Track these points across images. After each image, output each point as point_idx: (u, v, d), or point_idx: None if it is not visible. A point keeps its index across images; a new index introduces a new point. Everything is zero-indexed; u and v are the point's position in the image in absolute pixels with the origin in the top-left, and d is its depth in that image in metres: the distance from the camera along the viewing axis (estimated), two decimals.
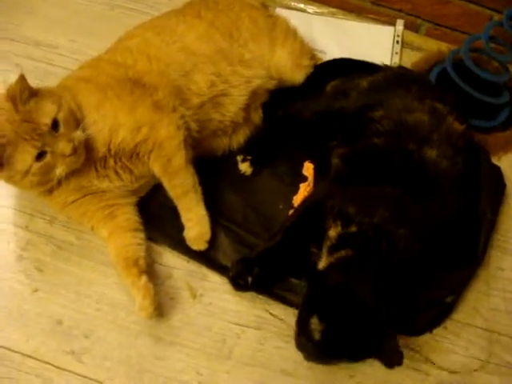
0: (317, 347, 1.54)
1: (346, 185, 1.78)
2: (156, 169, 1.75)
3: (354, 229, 1.63)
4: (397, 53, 2.34)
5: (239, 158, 1.95)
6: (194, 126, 1.81)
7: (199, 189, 1.79)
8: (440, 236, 1.70)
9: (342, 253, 1.62)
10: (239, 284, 1.73)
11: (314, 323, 1.51)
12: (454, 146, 1.80)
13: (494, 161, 2.13)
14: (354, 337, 1.53)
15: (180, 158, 1.74)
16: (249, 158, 1.94)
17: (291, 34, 2.08)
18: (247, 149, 1.97)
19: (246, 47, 1.96)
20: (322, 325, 1.51)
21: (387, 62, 2.29)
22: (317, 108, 1.97)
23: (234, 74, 1.90)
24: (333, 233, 1.65)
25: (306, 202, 1.83)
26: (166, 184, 1.77)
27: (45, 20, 2.37)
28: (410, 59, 2.36)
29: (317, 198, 1.78)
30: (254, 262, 1.72)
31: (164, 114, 1.74)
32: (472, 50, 2.16)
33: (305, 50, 2.11)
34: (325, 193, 1.77)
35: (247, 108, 1.94)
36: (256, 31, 2.00)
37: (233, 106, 1.89)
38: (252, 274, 1.71)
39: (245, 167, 1.94)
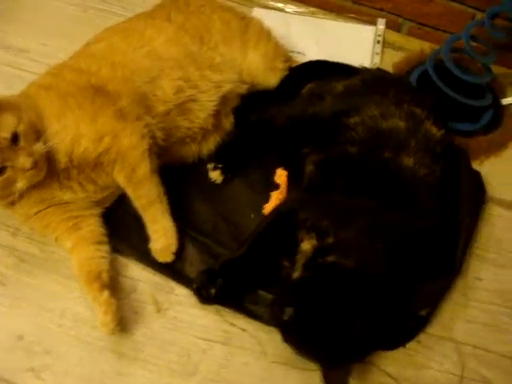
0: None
1: (320, 194, 1.72)
2: (120, 179, 1.71)
3: (331, 240, 1.57)
4: (377, 53, 2.27)
5: (210, 166, 1.90)
6: (159, 134, 1.76)
7: (165, 199, 1.74)
8: (417, 247, 1.64)
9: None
10: (203, 296, 1.67)
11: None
12: (432, 152, 1.74)
13: (476, 165, 2.07)
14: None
15: (144, 167, 1.69)
16: (219, 165, 1.89)
17: (265, 35, 2.02)
18: (218, 156, 1.91)
19: (217, 50, 1.91)
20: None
21: (367, 62, 2.23)
22: (291, 113, 1.91)
23: (203, 78, 1.84)
24: (307, 245, 1.60)
25: (275, 212, 1.77)
26: (131, 194, 1.72)
27: (17, 23, 2.32)
28: (391, 60, 2.30)
29: (288, 209, 1.72)
30: (217, 273, 1.67)
31: (127, 122, 1.69)
32: (454, 50, 2.08)
33: (279, 52, 2.05)
34: (296, 203, 1.71)
35: (217, 114, 1.89)
36: (228, 34, 1.94)
37: (202, 112, 1.84)
38: (215, 286, 1.65)
39: (215, 175, 1.88)
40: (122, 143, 1.67)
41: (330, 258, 1.55)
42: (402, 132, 1.74)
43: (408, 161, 1.70)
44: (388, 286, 1.57)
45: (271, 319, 1.61)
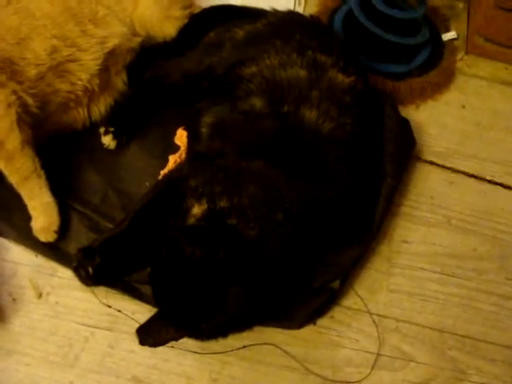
0: None
1: (215, 157, 1.51)
2: None
3: (225, 203, 1.38)
4: None
5: (101, 130, 1.71)
6: (31, 101, 1.58)
7: (42, 173, 1.57)
8: (325, 215, 1.46)
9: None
10: (81, 275, 1.49)
11: None
12: (339, 102, 1.52)
13: (411, 111, 1.86)
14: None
15: (14, 140, 1.52)
16: (111, 129, 1.70)
17: None
18: (110, 119, 1.72)
19: (101, 2, 1.70)
20: None
21: (291, 2, 1.97)
22: (185, 67, 1.72)
23: (84, 35, 1.65)
24: (197, 210, 1.40)
25: (163, 180, 1.58)
26: (3, 170, 1.56)
27: None
28: None
29: (177, 176, 1.53)
30: (95, 249, 1.49)
31: None
32: None
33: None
34: (187, 170, 1.52)
35: (105, 73, 1.70)
36: None
37: (83, 72, 1.65)
38: (93, 264, 1.47)
39: (107, 140, 1.70)
40: None
41: (231, 221, 1.35)
42: (302, 82, 1.53)
43: (310, 114, 1.49)
44: (288, 259, 1.40)
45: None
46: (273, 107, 1.52)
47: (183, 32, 1.80)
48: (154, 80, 1.75)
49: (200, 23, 1.82)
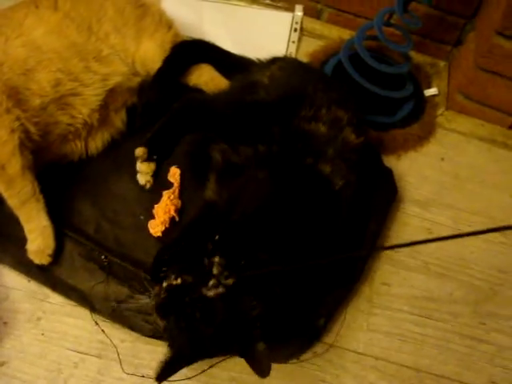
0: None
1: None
2: None
3: None
4: (294, 41, 2.13)
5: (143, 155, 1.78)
6: (33, 129, 1.63)
7: (41, 197, 1.62)
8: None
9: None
10: None
11: None
12: (347, 161, 1.61)
13: (393, 160, 1.94)
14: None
15: (15, 164, 1.57)
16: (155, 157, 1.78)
17: (163, 25, 1.88)
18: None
19: (106, 41, 1.78)
20: None
21: (282, 51, 2.10)
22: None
23: (87, 71, 1.71)
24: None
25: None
26: (3, 193, 1.60)
27: None
28: (308, 49, 2.15)
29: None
30: None
31: None
32: (372, 38, 1.93)
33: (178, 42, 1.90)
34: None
35: (104, 109, 1.76)
36: (120, 22, 1.81)
37: (85, 107, 1.71)
38: None
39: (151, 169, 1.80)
40: None
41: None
42: (322, 138, 1.60)
43: (326, 169, 1.56)
44: (285, 301, 1.46)
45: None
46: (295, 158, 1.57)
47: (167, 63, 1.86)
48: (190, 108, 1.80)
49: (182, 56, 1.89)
